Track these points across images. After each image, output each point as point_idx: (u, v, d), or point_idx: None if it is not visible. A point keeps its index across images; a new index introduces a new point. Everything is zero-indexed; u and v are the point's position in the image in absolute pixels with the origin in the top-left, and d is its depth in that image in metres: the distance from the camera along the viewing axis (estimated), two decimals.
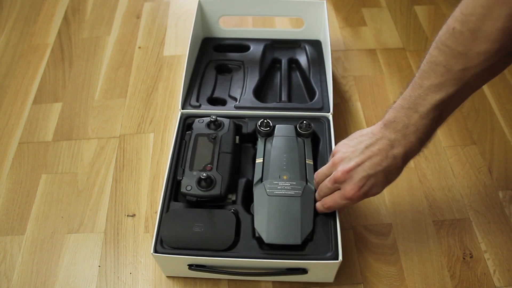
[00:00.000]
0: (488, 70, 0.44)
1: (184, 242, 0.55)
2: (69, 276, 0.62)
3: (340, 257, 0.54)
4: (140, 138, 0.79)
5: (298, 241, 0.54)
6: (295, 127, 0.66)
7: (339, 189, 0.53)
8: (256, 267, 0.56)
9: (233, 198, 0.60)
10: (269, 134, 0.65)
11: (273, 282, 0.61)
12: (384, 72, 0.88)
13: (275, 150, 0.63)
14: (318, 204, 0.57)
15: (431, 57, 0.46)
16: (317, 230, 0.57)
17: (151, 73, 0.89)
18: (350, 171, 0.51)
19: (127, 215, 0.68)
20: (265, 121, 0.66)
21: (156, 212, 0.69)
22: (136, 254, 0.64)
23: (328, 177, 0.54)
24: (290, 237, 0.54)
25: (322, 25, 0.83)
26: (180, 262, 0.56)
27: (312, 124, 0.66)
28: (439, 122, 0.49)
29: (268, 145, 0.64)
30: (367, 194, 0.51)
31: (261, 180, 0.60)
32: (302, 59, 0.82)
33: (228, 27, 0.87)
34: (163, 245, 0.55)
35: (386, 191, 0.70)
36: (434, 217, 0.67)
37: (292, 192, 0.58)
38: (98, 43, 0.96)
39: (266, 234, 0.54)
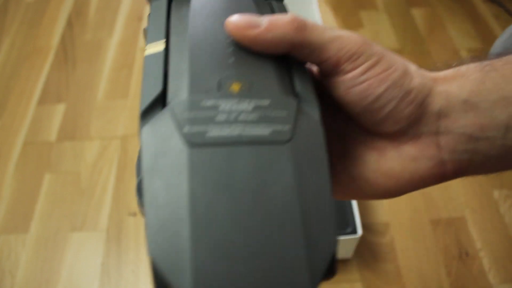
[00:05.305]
0: None
1: None
2: (72, 273, 0.64)
3: (360, 231, 0.55)
4: None
5: None
6: None
7: None
8: None
9: None
10: None
11: None
12: None
13: (202, 21, 0.22)
14: None
15: None
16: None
17: None
18: None
19: (129, 214, 0.70)
20: None
21: None
22: (138, 252, 0.65)
23: None
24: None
25: (312, 18, 0.85)
26: None
27: None
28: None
29: (179, 11, 0.24)
30: None
31: (162, 100, 0.19)
32: None
33: None
34: None
35: None
36: (430, 215, 0.68)
37: (263, 131, 0.18)
38: (101, 45, 0.97)
39: (193, 280, 0.15)
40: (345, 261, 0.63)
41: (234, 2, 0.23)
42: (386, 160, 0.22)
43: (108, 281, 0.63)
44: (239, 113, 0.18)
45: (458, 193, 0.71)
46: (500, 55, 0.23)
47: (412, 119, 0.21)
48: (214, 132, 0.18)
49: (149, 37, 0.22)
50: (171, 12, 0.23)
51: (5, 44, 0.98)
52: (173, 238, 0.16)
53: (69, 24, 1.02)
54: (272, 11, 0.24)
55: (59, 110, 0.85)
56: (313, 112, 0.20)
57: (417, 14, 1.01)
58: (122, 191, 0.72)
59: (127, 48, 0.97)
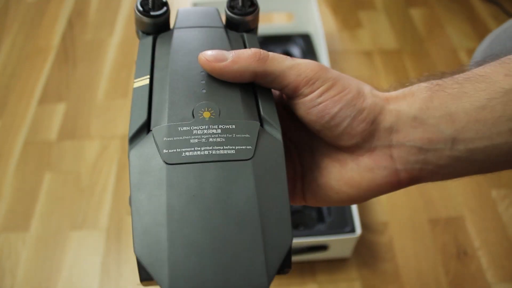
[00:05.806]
0: None
1: None
2: (73, 272, 0.64)
3: (358, 230, 0.55)
4: None
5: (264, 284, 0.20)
6: (226, 11, 0.29)
7: None
8: None
9: None
10: (164, 25, 0.29)
11: (296, 264, 0.62)
12: (381, 73, 0.90)
13: (181, 57, 0.26)
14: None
15: None
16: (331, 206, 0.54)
17: None
18: None
19: (129, 213, 0.70)
20: None
21: None
22: None
23: None
24: (239, 280, 0.20)
25: (311, 18, 0.86)
26: None
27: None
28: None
29: (162, 48, 0.27)
30: None
31: (147, 127, 0.24)
32: (296, 51, 0.87)
33: None
34: None
35: None
36: (429, 215, 0.69)
37: (229, 151, 0.22)
38: (101, 45, 0.97)
39: (169, 279, 0.20)
40: (344, 260, 0.63)
41: (210, 38, 0.27)
42: (347, 171, 0.25)
43: (108, 280, 0.63)
44: (209, 136, 0.22)
45: (457, 193, 0.71)
46: (477, 64, 0.25)
47: (365, 134, 0.24)
48: (188, 152, 0.22)
49: (136, 72, 0.26)
50: (156, 48, 0.27)
51: (5, 44, 0.98)
52: (154, 240, 0.20)
53: (70, 24, 1.03)
54: (244, 42, 0.28)
55: (60, 109, 0.85)
56: (274, 132, 0.24)
57: (416, 14, 1.02)
58: (122, 190, 0.73)
59: (127, 48, 0.97)
